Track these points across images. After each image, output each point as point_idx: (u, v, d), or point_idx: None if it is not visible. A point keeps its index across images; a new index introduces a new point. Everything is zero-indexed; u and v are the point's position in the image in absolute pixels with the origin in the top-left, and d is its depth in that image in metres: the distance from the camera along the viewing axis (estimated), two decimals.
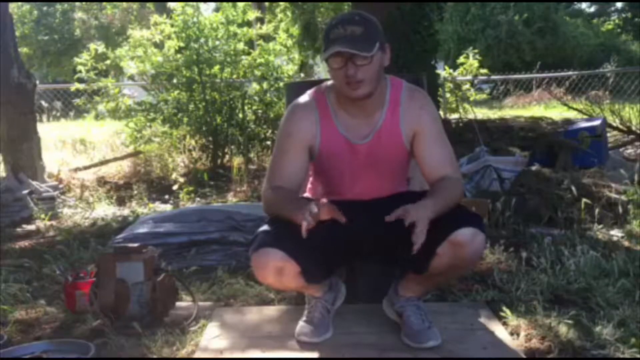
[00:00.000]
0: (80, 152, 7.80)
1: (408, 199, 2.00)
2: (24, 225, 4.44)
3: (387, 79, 2.10)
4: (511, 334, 2.16)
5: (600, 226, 3.50)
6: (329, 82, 2.09)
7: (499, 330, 2.14)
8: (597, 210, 3.55)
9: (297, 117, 2.10)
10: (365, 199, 2.12)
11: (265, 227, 2.01)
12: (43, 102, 10.50)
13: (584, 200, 3.63)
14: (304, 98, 2.13)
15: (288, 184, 2.04)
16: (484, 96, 11.21)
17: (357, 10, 2.52)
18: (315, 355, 2.00)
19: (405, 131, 2.07)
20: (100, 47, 6.77)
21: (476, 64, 9.04)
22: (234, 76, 6.85)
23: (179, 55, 6.66)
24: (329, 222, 1.88)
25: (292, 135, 2.07)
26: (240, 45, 6.84)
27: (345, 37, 1.89)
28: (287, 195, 1.99)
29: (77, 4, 22.27)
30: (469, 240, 1.88)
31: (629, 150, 6.18)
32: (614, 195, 3.95)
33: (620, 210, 3.66)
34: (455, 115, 7.88)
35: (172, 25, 6.70)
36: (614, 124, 6.14)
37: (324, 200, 1.90)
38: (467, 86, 8.95)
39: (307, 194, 2.27)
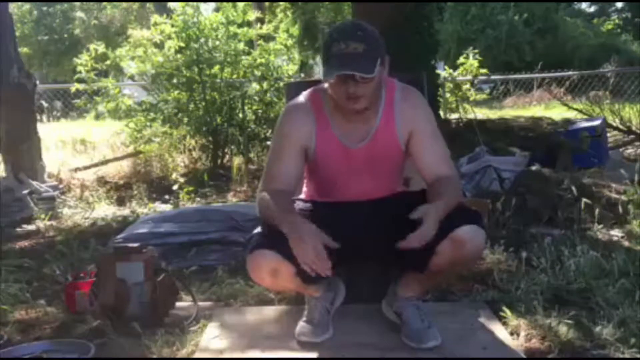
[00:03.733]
0: (80, 152, 7.79)
1: (405, 199, 2.01)
2: (24, 225, 4.43)
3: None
4: (511, 334, 2.16)
5: (600, 226, 3.50)
6: (326, 85, 2.07)
7: (499, 330, 2.14)
8: (597, 210, 3.54)
9: (293, 118, 2.09)
10: (362, 199, 2.12)
11: (260, 229, 2.00)
12: (43, 102, 10.49)
13: (584, 200, 3.63)
14: (300, 99, 2.12)
15: (284, 185, 2.03)
16: (484, 96, 11.18)
17: (357, 10, 2.53)
18: (315, 355, 2.00)
19: (401, 131, 2.07)
20: (101, 47, 6.76)
21: (476, 64, 9.03)
22: (234, 76, 6.85)
23: (179, 55, 6.65)
24: (325, 223, 1.89)
25: (288, 136, 2.07)
26: (241, 46, 6.83)
27: (347, 55, 1.86)
28: (281, 206, 1.95)
29: (77, 4, 22.27)
30: (470, 238, 1.88)
31: (629, 150, 6.19)
32: (614, 195, 3.95)
33: (620, 210, 3.65)
34: (455, 115, 7.88)
35: (172, 26, 6.70)
36: (614, 124, 6.15)
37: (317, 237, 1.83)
38: (467, 86, 8.94)
39: (302, 196, 2.27)
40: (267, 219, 1.98)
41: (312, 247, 1.79)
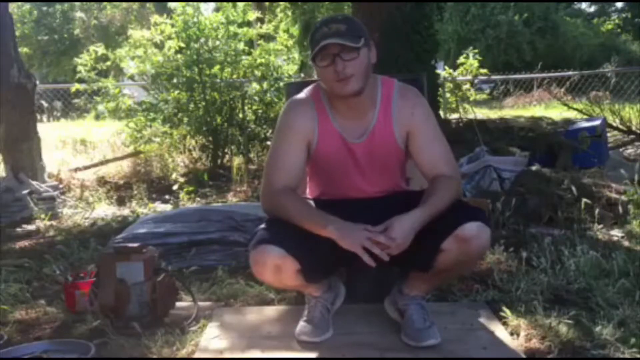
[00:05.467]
0: (80, 152, 7.79)
1: (407, 198, 2.01)
2: (24, 225, 4.44)
3: (379, 79, 2.10)
4: (511, 334, 2.16)
5: (600, 226, 3.50)
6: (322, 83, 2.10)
7: (499, 330, 2.14)
8: (597, 210, 3.54)
9: (295, 110, 2.10)
10: (363, 197, 2.12)
11: (265, 225, 2.00)
12: (43, 102, 10.49)
13: (584, 200, 3.63)
14: (302, 94, 2.14)
15: (289, 179, 2.03)
16: (484, 96, 11.21)
17: (357, 10, 2.55)
18: (315, 355, 2.00)
19: (398, 130, 2.07)
20: (100, 49, 6.76)
21: (476, 64, 9.05)
22: (234, 76, 6.85)
23: (179, 55, 6.66)
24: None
25: (292, 129, 2.07)
26: (241, 45, 6.84)
27: (331, 33, 1.91)
28: (303, 203, 2.00)
29: (77, 4, 22.27)
30: (475, 235, 1.88)
31: (629, 150, 6.19)
32: (614, 195, 3.95)
33: (620, 210, 3.65)
34: (455, 115, 7.89)
35: (172, 26, 6.71)
36: (614, 124, 6.15)
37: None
38: (467, 86, 8.96)
39: (306, 195, 2.27)
40: (281, 217, 1.97)
41: (363, 231, 1.82)
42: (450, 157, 2.11)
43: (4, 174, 5.51)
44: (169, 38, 6.75)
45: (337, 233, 1.85)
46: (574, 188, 3.79)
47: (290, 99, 2.17)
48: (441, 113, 7.77)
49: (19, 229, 4.35)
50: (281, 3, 12.55)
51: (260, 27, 7.28)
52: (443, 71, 9.03)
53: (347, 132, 2.07)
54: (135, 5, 19.72)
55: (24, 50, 19.91)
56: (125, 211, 4.77)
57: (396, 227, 1.83)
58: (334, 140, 2.07)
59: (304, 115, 2.08)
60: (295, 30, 12.77)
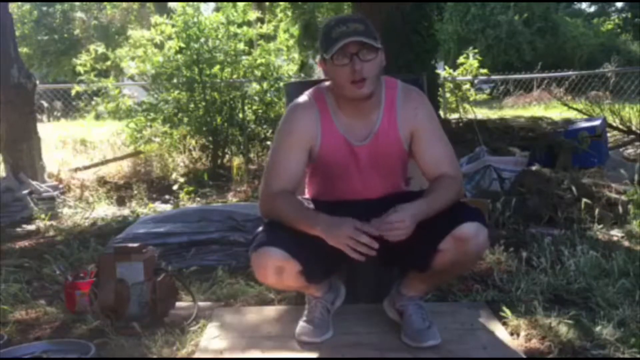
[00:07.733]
0: (80, 152, 7.80)
1: (407, 198, 2.00)
2: (24, 225, 4.45)
3: (382, 80, 2.09)
4: (511, 334, 2.16)
5: (600, 226, 3.50)
6: (327, 83, 2.09)
7: (499, 330, 2.14)
8: (597, 210, 3.54)
9: (298, 116, 2.09)
10: (365, 198, 2.12)
11: (264, 227, 2.00)
12: (43, 102, 10.48)
13: (584, 200, 3.63)
14: (304, 98, 2.12)
15: (289, 183, 2.02)
16: (484, 96, 11.21)
17: (357, 10, 2.54)
18: (315, 355, 2.00)
19: (403, 131, 2.07)
20: (100, 48, 6.77)
21: (476, 64, 9.05)
22: (234, 76, 6.85)
23: (179, 56, 6.66)
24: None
25: (293, 134, 2.06)
26: (241, 46, 6.85)
27: (351, 32, 1.90)
28: (297, 204, 2.00)
29: (77, 3, 22.28)
30: (473, 235, 1.88)
31: (629, 150, 6.19)
32: (614, 195, 3.95)
33: (620, 210, 3.65)
34: (455, 115, 7.88)
35: (172, 26, 6.71)
36: (614, 124, 6.15)
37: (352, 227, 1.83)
38: (467, 86, 8.96)
39: (305, 196, 2.26)
40: (277, 219, 1.98)
41: (352, 227, 1.80)
42: (453, 158, 2.11)
43: (4, 174, 5.51)
44: (169, 38, 6.75)
45: (324, 232, 1.85)
46: (574, 188, 3.79)
47: (293, 102, 2.15)
48: (441, 113, 7.77)
49: (19, 229, 4.35)
50: (281, 3, 12.56)
51: (260, 27, 7.28)
52: (443, 71, 9.03)
53: (351, 134, 2.06)
54: (135, 5, 19.73)
55: (24, 50, 19.88)
56: (125, 211, 4.77)
57: (398, 211, 1.83)
58: (337, 143, 2.06)
59: (307, 119, 2.06)
60: (295, 30, 12.78)
